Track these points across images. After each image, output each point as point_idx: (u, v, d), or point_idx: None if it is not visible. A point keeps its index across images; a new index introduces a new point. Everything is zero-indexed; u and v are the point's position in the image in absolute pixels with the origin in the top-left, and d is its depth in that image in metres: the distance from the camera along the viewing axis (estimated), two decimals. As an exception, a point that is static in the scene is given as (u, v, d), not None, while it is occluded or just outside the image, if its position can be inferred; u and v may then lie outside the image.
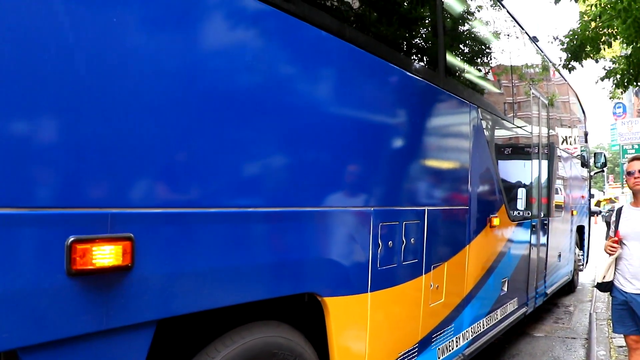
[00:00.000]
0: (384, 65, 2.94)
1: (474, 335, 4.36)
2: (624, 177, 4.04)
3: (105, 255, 1.53)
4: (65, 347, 1.49)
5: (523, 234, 5.63)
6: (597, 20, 6.70)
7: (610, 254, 3.87)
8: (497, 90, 5.10)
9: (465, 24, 4.50)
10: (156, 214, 1.71)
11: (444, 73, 3.67)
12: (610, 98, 9.58)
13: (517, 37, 5.80)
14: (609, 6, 6.26)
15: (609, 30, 6.60)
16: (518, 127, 5.53)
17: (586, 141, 9.66)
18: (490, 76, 4.99)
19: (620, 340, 5.57)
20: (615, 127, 20.17)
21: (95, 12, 1.55)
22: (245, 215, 2.03)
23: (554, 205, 7.03)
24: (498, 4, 5.21)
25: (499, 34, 5.24)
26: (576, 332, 6.79)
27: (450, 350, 3.88)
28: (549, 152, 6.74)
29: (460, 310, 4.05)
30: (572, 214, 8.34)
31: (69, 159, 1.48)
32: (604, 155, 10.34)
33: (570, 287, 9.17)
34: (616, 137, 19.78)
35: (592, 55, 6.82)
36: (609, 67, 7.03)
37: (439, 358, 3.72)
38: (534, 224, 5.96)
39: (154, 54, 1.73)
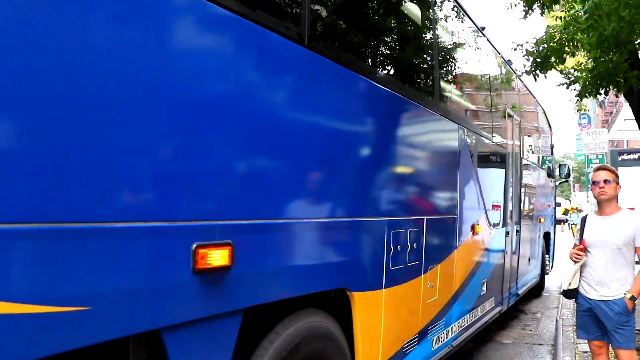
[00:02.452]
0: (402, 100, 3.58)
1: (460, 329, 4.95)
2: (590, 186, 4.16)
3: (216, 257, 1.98)
4: (190, 327, 1.92)
5: (499, 240, 6.20)
6: (562, 32, 6.89)
7: (575, 262, 3.99)
8: (479, 112, 5.70)
9: (457, 58, 5.09)
10: (246, 225, 2.17)
11: (438, 99, 4.24)
12: (577, 111, 9.84)
13: (499, 66, 6.62)
14: (573, 21, 6.46)
15: (573, 43, 6.79)
16: (495, 143, 6.13)
17: (552, 153, 10.45)
18: (474, 99, 5.61)
19: (584, 345, 5.70)
20: (580, 137, 20.66)
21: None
22: (305, 224, 2.57)
23: (524, 213, 7.65)
24: (483, 36, 5.93)
25: (483, 63, 5.91)
26: (543, 339, 6.93)
27: (442, 342, 4.43)
28: (520, 165, 7.34)
29: (450, 307, 4.57)
30: (539, 222, 9.02)
31: (197, 187, 1.95)
32: (568, 166, 11.11)
33: (538, 289, 9.84)
34: (581, 147, 20.24)
35: (556, 66, 6.98)
36: (572, 76, 7.22)
37: (433, 347, 4.23)
38: (507, 230, 6.54)
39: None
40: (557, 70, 7.29)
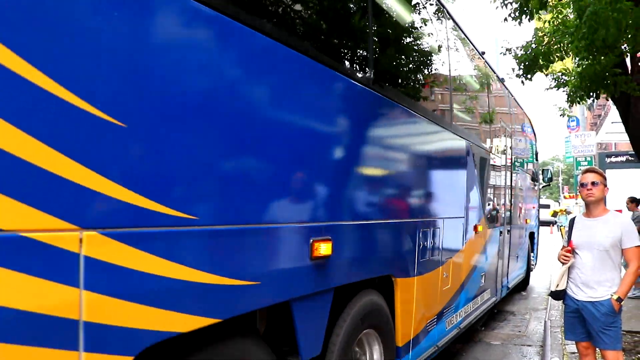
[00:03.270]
0: (431, 124, 4.44)
1: (466, 314, 5.80)
2: (578, 188, 4.20)
3: (323, 249, 2.70)
4: (306, 298, 2.64)
5: (494, 239, 7.09)
6: (551, 36, 6.94)
7: (563, 263, 4.03)
8: (480, 128, 6.60)
9: (466, 88, 6.09)
10: (338, 225, 2.94)
11: (453, 121, 5.21)
12: (561, 115, 9.98)
13: (496, 86, 7.55)
14: (561, 25, 6.51)
15: (561, 46, 6.84)
16: (492, 154, 6.97)
17: (537, 159, 11.75)
18: (476, 117, 6.48)
19: (572, 347, 5.76)
20: (569, 139, 20.81)
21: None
22: (371, 225, 3.36)
23: (513, 215, 8.54)
24: (483, 59, 6.86)
25: (483, 85, 6.93)
26: (531, 340, 6.98)
27: (452, 324, 5.27)
28: (511, 173, 8.32)
29: (458, 295, 5.38)
30: (526, 222, 10.04)
31: (315, 200, 2.75)
32: (550, 171, 12.49)
33: (524, 284, 10.78)
34: (570, 150, 20.40)
35: (543, 69, 7.03)
36: (559, 79, 7.27)
37: (446, 328, 5.05)
38: (501, 230, 7.46)
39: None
40: (544, 73, 7.33)
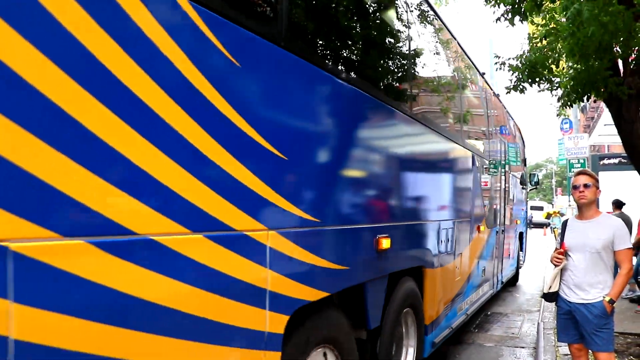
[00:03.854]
0: (449, 142, 5.56)
1: (471, 302, 6.79)
2: (571, 190, 4.22)
3: (384, 243, 3.60)
4: (372, 281, 3.53)
5: (492, 238, 8.14)
6: (544, 40, 6.96)
7: (556, 265, 4.04)
8: (481, 139, 7.63)
9: (472, 110, 7.08)
10: (393, 226, 3.89)
11: (462, 137, 6.21)
12: (557, 115, 10.10)
13: (494, 101, 8.84)
14: (553, 30, 6.53)
15: (555, 51, 6.87)
16: (490, 162, 8.04)
17: (525, 165, 13.06)
18: (479, 131, 7.54)
19: (565, 348, 5.77)
20: (562, 142, 20.88)
21: None
22: (411, 226, 4.42)
23: (506, 216, 9.59)
24: (482, 78, 7.88)
25: (485, 102, 7.97)
26: (524, 342, 6.99)
27: (461, 310, 6.26)
28: (505, 178, 9.44)
29: (465, 285, 6.36)
30: (516, 223, 11.16)
31: (379, 209, 3.76)
32: (537, 175, 13.64)
33: (514, 279, 11.74)
34: (563, 152, 20.47)
35: (543, 75, 7.03)
36: (557, 84, 7.27)
37: (457, 313, 6.05)
38: (497, 230, 8.50)
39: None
40: (544, 80, 7.33)
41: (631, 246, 3.98)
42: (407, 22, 4.36)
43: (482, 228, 7.10)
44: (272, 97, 2.43)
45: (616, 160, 16.09)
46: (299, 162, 2.64)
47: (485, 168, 7.55)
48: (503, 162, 9.23)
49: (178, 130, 1.86)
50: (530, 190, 14.12)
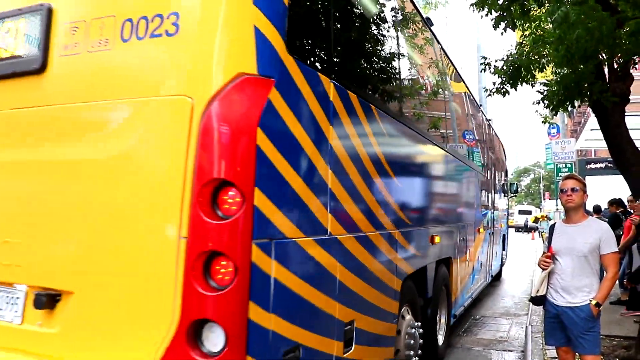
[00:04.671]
0: (463, 165, 7.55)
1: (474, 289, 8.69)
2: (559, 194, 4.26)
3: (436, 239, 5.46)
4: (428, 265, 5.23)
5: (486, 238, 10.00)
6: (531, 47, 7.02)
7: (543, 269, 4.07)
8: (480, 159, 9.62)
9: (476, 137, 9.36)
10: (440, 228, 5.79)
11: (470, 159, 8.36)
12: (542, 122, 10.25)
13: (487, 126, 11.24)
14: (540, 37, 6.60)
15: (542, 57, 6.93)
16: (486, 176, 10.16)
17: (506, 175, 15.44)
18: (479, 151, 9.58)
19: (553, 351, 5.80)
20: (550, 146, 21.05)
21: None
22: (447, 227, 6.35)
23: (495, 221, 11.64)
24: (476, 103, 10.05)
25: (483, 129, 10.48)
26: (513, 345, 7.04)
27: (468, 294, 8.05)
28: (494, 189, 11.75)
29: (471, 275, 8.15)
30: (500, 226, 13.24)
31: (434, 216, 5.79)
32: (516, 184, 16.69)
33: (498, 275, 13.41)
34: (551, 156, 20.64)
35: (527, 80, 7.07)
36: (543, 90, 7.33)
37: (466, 296, 7.83)
38: (489, 232, 10.40)
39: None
40: (527, 84, 7.37)
41: (617, 250, 4.02)
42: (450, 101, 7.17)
43: (481, 230, 9.17)
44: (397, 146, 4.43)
45: (602, 165, 16.28)
46: (408, 188, 4.71)
47: (483, 182, 9.69)
48: (493, 175, 11.62)
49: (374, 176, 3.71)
50: (510, 197, 17.25)
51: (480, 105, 10.00)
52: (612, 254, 3.91)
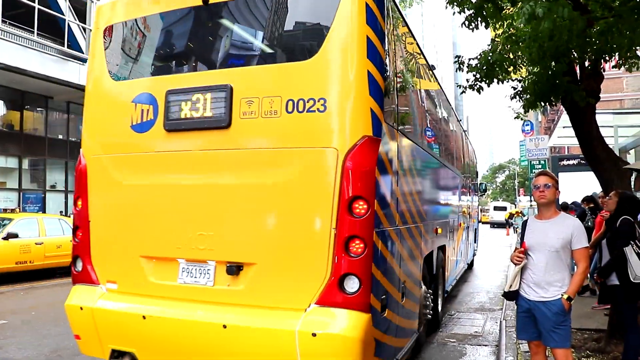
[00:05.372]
0: (452, 171, 9.77)
1: (457, 273, 10.88)
2: (532, 190, 4.33)
3: (439, 230, 7.26)
4: (434, 250, 7.01)
5: (466, 231, 12.21)
6: (504, 45, 7.11)
7: (516, 264, 4.13)
8: (462, 166, 12.05)
9: (465, 150, 13.02)
10: (439, 221, 7.40)
11: (458, 167, 11.03)
12: (515, 118, 10.42)
13: (468, 142, 14.78)
14: (514, 36, 6.69)
15: (515, 55, 7.02)
16: (465, 179, 12.49)
17: (477, 176, 18.02)
18: (460, 159, 11.82)
19: (526, 345, 5.91)
20: (524, 143, 21.34)
21: None
22: (444, 220, 8.06)
23: (470, 217, 13.90)
24: (461, 125, 13.43)
25: (464, 141, 13.17)
26: (487, 340, 7.14)
27: (453, 276, 9.99)
28: (470, 189, 14.03)
29: (456, 261, 10.23)
30: (473, 222, 15.26)
31: (437, 212, 7.53)
32: (484, 184, 19.64)
33: (471, 264, 15.53)
34: (525, 153, 20.91)
35: (500, 77, 7.14)
36: (516, 87, 7.42)
37: (452, 277, 9.79)
38: (467, 226, 12.53)
39: None
40: (500, 81, 7.44)
41: (588, 245, 4.10)
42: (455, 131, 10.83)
43: (462, 225, 11.17)
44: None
45: (575, 162, 16.56)
46: (425, 194, 6.31)
47: (463, 184, 11.90)
48: (468, 178, 13.84)
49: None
50: (480, 196, 19.60)
51: (457, 115, 12.27)
52: (583, 249, 3.99)
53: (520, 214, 36.35)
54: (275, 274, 4.01)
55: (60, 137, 27.32)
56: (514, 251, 4.22)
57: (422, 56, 6.84)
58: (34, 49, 22.22)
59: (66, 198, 26.79)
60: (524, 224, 4.33)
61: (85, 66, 24.64)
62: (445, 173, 8.62)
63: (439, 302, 7.73)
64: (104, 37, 4.92)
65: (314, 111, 3.93)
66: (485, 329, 7.82)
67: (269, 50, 4.47)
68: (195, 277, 4.28)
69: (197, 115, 4.28)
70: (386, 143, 4.24)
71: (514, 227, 34.54)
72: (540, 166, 19.28)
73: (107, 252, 4.68)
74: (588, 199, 10.29)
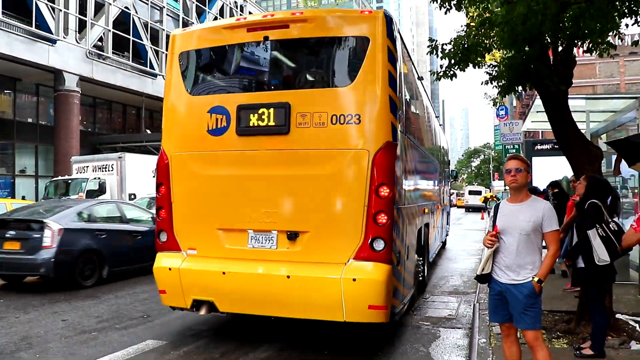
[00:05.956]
0: (437, 163, 13.23)
1: (435, 247, 12.52)
2: (504, 174, 4.37)
3: (425, 211, 9.19)
4: (422, 226, 8.82)
5: (442, 213, 14.25)
6: (478, 29, 7.10)
7: (488, 247, 4.17)
8: (440, 155, 14.64)
9: (438, 137, 14.96)
10: (425, 203, 9.14)
11: (439, 157, 14.40)
12: (492, 105, 10.50)
13: (441, 130, 17.25)
14: (487, 20, 6.69)
15: (489, 40, 7.03)
16: (442, 167, 14.72)
17: (449, 164, 20.70)
18: (440, 150, 14.83)
19: (499, 328, 6.01)
20: (499, 128, 21.56)
21: None
22: (430, 202, 10.25)
23: (445, 200, 16.40)
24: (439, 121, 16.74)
25: (441, 138, 16.55)
26: (461, 322, 7.26)
27: (434, 249, 12.13)
28: (444, 176, 16.03)
29: (435, 236, 12.07)
30: (446, 205, 17.76)
31: (425, 198, 9.49)
32: (455, 171, 24.89)
33: (444, 243, 17.41)
34: (499, 138, 21.12)
35: (475, 62, 7.12)
36: (491, 72, 7.44)
37: (433, 250, 11.79)
38: (442, 208, 14.57)
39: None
40: (476, 66, 7.43)
41: (559, 228, 4.15)
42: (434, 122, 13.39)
43: (439, 207, 13.08)
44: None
45: (549, 146, 16.73)
46: (420, 181, 8.46)
47: (440, 171, 13.86)
48: (444, 165, 16.21)
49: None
50: (452, 181, 22.65)
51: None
52: (554, 231, 4.04)
53: (494, 198, 36.83)
54: (324, 239, 5.65)
55: (30, 120, 26.80)
56: (486, 234, 4.26)
57: (416, 73, 8.62)
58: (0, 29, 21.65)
59: (36, 183, 26.32)
60: (496, 207, 4.36)
61: (55, 47, 24.31)
62: (431, 165, 11.01)
63: (425, 268, 9.49)
64: (179, 61, 6.42)
65: (352, 123, 5.61)
66: (459, 312, 7.94)
67: (317, 78, 6.28)
68: (262, 243, 5.87)
69: (263, 124, 5.84)
70: (399, 145, 5.86)
71: (488, 211, 35.00)
72: (514, 150, 19.51)
73: (187, 226, 6.20)
74: (553, 184, 10.55)
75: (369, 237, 5.45)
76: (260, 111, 5.85)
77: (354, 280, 5.36)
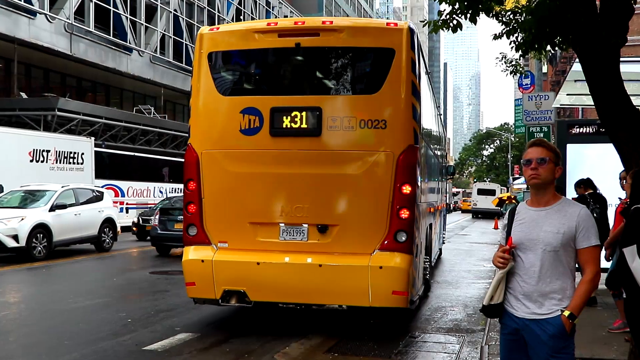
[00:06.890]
0: (440, 163, 18.68)
1: (438, 247, 19.25)
2: (523, 167, 4.23)
3: (432, 210, 14.81)
4: (431, 223, 14.81)
5: (442, 213, 20.85)
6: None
7: (500, 268, 4.06)
8: (442, 153, 20.28)
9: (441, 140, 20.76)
10: (432, 202, 14.27)
11: (443, 160, 21.18)
12: (510, 73, 10.43)
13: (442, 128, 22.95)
14: None
15: None
16: (442, 168, 19.29)
17: (447, 158, 27.26)
18: (442, 149, 20.92)
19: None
20: (521, 102, 21.42)
21: None
22: (435, 202, 15.79)
23: (443, 202, 21.01)
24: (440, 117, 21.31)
25: (444, 137, 24.75)
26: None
27: (435, 250, 17.11)
28: (444, 175, 21.59)
29: (439, 235, 19.02)
30: (444, 206, 22.18)
31: (432, 196, 14.94)
32: (452, 167, 25.23)
33: (439, 254, 20.45)
34: (522, 116, 20.84)
35: (488, 6, 6.88)
36: (510, 21, 7.37)
37: (434, 251, 15.76)
38: (441, 211, 19.37)
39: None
40: (490, 13, 7.30)
41: (599, 243, 4.01)
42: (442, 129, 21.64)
43: (440, 207, 17.53)
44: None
45: (592, 129, 16.71)
46: (429, 182, 13.18)
47: (442, 171, 18.38)
48: (444, 165, 20.39)
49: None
50: (447, 179, 25.36)
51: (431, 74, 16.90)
52: (593, 248, 3.93)
53: (513, 200, 37.09)
54: (352, 231, 8.63)
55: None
56: (498, 250, 4.14)
57: (425, 67, 11.20)
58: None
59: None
60: (511, 212, 4.25)
61: (35, 20, 25.51)
62: (437, 165, 15.79)
63: (429, 268, 12.61)
64: (209, 61, 9.07)
65: (378, 128, 8.51)
66: (461, 357, 7.90)
67: (346, 85, 9.33)
68: (293, 236, 8.75)
69: (296, 127, 8.67)
70: (419, 147, 8.82)
71: (503, 218, 35.20)
72: (541, 134, 19.34)
73: (218, 220, 8.95)
74: (585, 183, 10.57)
75: (393, 230, 8.39)
76: (293, 114, 8.67)
77: (380, 268, 8.24)
